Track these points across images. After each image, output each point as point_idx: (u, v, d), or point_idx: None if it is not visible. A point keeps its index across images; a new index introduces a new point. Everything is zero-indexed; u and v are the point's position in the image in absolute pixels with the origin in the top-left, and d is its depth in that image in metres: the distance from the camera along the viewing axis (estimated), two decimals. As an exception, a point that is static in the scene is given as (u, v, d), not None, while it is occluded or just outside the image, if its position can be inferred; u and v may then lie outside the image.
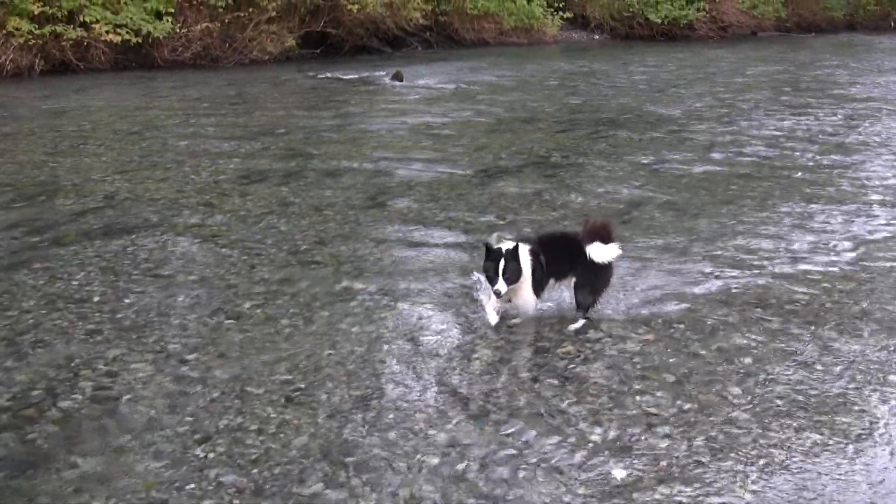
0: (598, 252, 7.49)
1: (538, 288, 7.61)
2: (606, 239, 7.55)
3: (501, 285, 7.20)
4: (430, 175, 13.62)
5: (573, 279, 7.74)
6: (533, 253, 7.45)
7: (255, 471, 5.56)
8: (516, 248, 7.29)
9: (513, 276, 7.26)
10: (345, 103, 22.19)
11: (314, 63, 32.88)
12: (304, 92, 24.58)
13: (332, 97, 23.31)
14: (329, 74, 28.51)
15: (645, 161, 14.57)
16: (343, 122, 19.05)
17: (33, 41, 27.61)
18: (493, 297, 7.44)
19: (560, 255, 7.63)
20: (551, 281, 7.72)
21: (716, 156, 15.02)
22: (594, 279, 7.72)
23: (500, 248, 7.26)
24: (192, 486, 5.41)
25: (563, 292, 7.96)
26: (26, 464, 5.68)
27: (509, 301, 7.60)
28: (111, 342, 7.49)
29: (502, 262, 7.19)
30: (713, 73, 28.27)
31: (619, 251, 7.63)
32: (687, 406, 6.33)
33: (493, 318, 7.64)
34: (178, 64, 30.93)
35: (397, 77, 26.39)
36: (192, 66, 30.99)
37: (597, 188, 12.70)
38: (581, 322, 7.71)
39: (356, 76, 28.17)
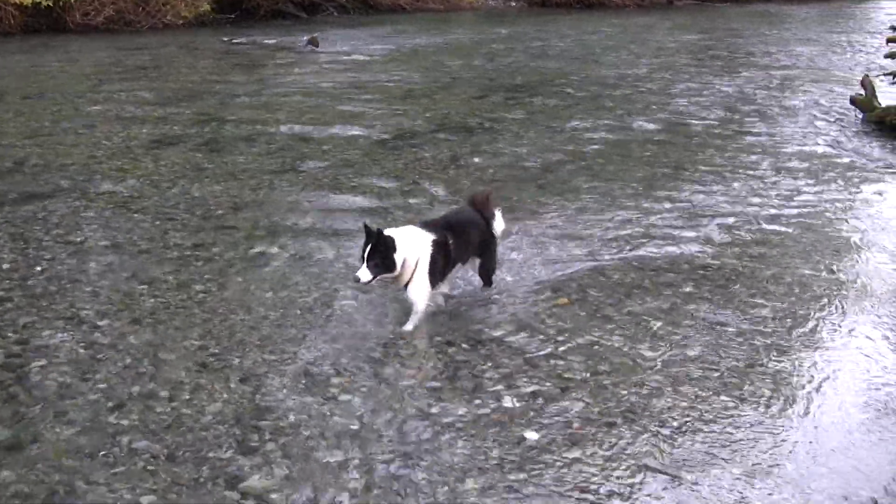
0: (499, 222, 7.48)
1: (439, 277, 7.08)
2: (494, 209, 7.50)
3: (363, 273, 6.62)
4: (346, 140, 13.58)
5: (477, 259, 7.53)
6: (437, 243, 6.95)
7: (169, 437, 5.53)
8: (391, 238, 6.68)
9: (382, 266, 6.66)
10: (260, 68, 22.02)
11: (229, 28, 32.54)
12: (219, 57, 24.35)
13: (247, 62, 23.11)
14: (244, 39, 28.25)
15: (560, 127, 14.61)
16: (258, 87, 18.91)
17: (-63, 3, 27.08)
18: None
19: (467, 237, 7.27)
20: (458, 266, 7.33)
21: (631, 122, 15.11)
22: (493, 252, 7.62)
23: (375, 232, 6.66)
24: (105, 452, 5.36)
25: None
26: (-67, 433, 5.60)
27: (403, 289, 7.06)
28: (21, 309, 7.40)
29: (370, 248, 6.62)
30: (630, 42, 28.38)
31: (503, 222, 7.61)
32: (600, 369, 6.37)
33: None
34: (91, 28, 30.44)
35: (313, 42, 26.19)
36: (104, 30, 30.51)
37: (512, 153, 12.72)
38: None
39: (271, 41, 27.94)
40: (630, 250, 8.68)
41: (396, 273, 6.76)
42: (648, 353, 6.61)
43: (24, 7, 28.77)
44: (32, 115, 15.64)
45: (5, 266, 8.32)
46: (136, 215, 9.80)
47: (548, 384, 6.15)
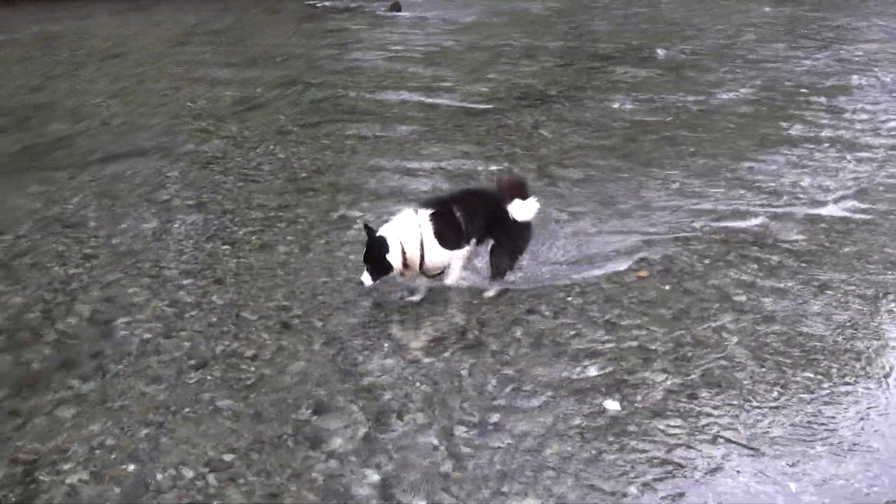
0: (520, 210, 7.01)
1: (457, 242, 6.89)
2: (524, 195, 7.07)
3: (365, 277, 6.63)
4: (427, 105, 13.53)
5: (490, 242, 7.15)
6: (436, 215, 6.78)
7: (252, 396, 5.58)
8: (381, 239, 6.60)
9: (380, 268, 6.63)
10: (342, 32, 21.99)
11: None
12: (302, 20, 24.35)
13: (331, 26, 23.09)
14: (327, 3, 28.24)
15: (643, 97, 14.44)
16: (340, 51, 18.90)
17: (29, -36, 27.32)
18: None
19: (476, 212, 6.96)
20: (473, 241, 7.02)
21: (715, 93, 14.87)
22: (512, 239, 7.14)
23: (369, 234, 6.65)
24: (188, 409, 5.43)
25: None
26: (23, 385, 5.69)
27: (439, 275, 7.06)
28: (107, 266, 7.49)
29: (366, 252, 6.67)
30: (716, 12, 28.01)
31: (538, 205, 7.12)
32: (683, 341, 6.32)
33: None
34: (175, -10, 30.65)
35: (395, 7, 26.14)
36: (189, -8, 30.70)
37: (594, 122, 12.60)
38: (496, 289, 7.14)
39: (354, 5, 27.87)
40: (713, 223, 8.56)
41: (398, 269, 6.71)
42: (731, 327, 6.53)
43: (110, -32, 28.97)
44: (118, 76, 15.77)
45: (91, 224, 8.42)
46: (219, 176, 9.87)
47: (630, 355, 6.11)
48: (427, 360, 6.02)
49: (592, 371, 5.91)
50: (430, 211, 6.80)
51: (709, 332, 6.45)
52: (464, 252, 6.95)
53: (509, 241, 7.08)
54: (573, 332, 6.40)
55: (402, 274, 6.81)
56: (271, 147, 11.01)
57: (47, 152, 10.84)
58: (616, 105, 13.70)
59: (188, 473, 4.84)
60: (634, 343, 6.26)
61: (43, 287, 7.10)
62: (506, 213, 6.93)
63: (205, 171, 10.07)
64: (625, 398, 5.59)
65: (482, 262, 7.23)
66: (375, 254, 6.58)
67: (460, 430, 5.23)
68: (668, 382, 5.76)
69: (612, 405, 5.51)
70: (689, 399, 5.57)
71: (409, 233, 6.68)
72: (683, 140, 11.67)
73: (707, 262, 7.66)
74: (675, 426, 5.30)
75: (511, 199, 6.92)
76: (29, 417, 5.35)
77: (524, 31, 22.10)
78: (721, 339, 6.34)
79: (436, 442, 5.13)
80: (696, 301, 6.93)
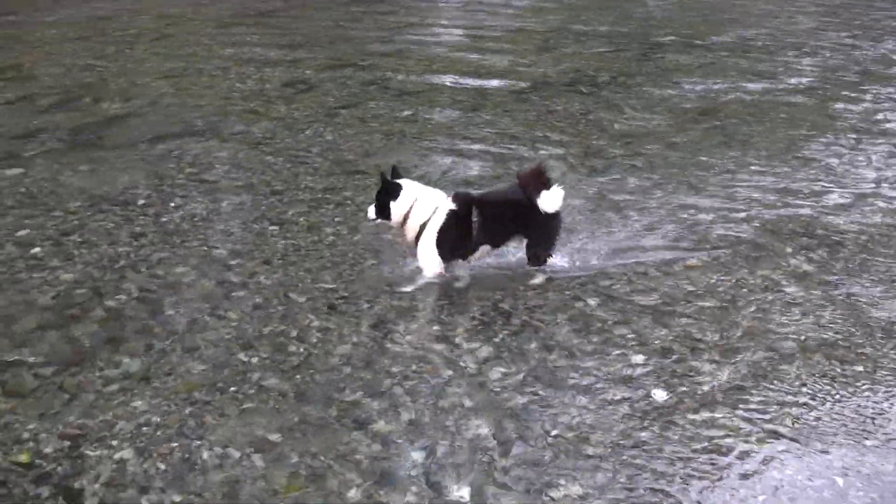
0: (548, 201, 6.70)
1: (458, 252, 6.90)
2: (548, 184, 6.76)
3: (370, 210, 6.90)
4: (476, 89, 13.52)
5: (524, 240, 7.02)
6: (453, 214, 6.73)
7: (298, 377, 5.58)
8: (396, 186, 6.76)
9: (379, 210, 6.82)
10: (392, 15, 22.00)
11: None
12: (351, 3, 24.37)
13: (380, 9, 23.12)
14: (376, -14, 28.27)
15: (694, 85, 14.36)
16: (389, 33, 18.90)
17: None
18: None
19: (501, 219, 6.86)
20: (484, 248, 6.95)
21: (768, 82, 14.76)
22: (545, 232, 6.98)
23: (385, 179, 6.77)
24: (235, 389, 5.44)
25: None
26: (71, 361, 5.72)
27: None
28: (156, 245, 7.52)
29: (377, 191, 6.80)
30: (768, 3, 27.79)
31: (563, 192, 6.79)
32: (731, 332, 6.27)
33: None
34: (226, -29, 30.74)
35: (445, -9, 26.12)
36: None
37: (644, 110, 12.55)
38: (542, 277, 7.08)
39: (404, -11, 27.93)
40: (764, 213, 8.49)
41: (393, 223, 6.87)
42: (781, 319, 6.47)
43: (161, -52, 29.09)
44: (168, 57, 15.83)
45: (140, 202, 8.46)
46: (268, 157, 9.88)
47: (677, 344, 6.07)
48: (473, 344, 6.00)
49: (639, 359, 5.87)
50: (452, 205, 6.76)
51: (757, 323, 6.39)
52: (436, 266, 6.92)
53: (542, 234, 6.98)
54: (620, 320, 6.37)
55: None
56: (320, 129, 11.03)
57: (97, 131, 10.89)
58: (667, 92, 13.63)
59: (234, 453, 4.84)
60: (682, 332, 6.22)
61: (92, 264, 7.14)
62: (535, 208, 6.73)
63: (254, 151, 10.08)
64: (671, 388, 5.55)
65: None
66: (384, 195, 6.74)
67: (505, 416, 5.22)
68: (716, 373, 5.72)
69: (659, 394, 5.48)
70: (737, 391, 5.52)
71: (425, 206, 6.75)
72: (735, 128, 11.61)
73: (757, 251, 7.61)
74: (721, 417, 5.25)
75: (538, 191, 6.70)
76: (76, 393, 5.38)
77: (574, 16, 22.05)
78: (769, 330, 6.29)
79: (481, 427, 5.11)
80: (745, 291, 6.88)
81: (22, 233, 7.74)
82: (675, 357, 5.90)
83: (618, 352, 5.95)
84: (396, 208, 6.73)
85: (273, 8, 22.54)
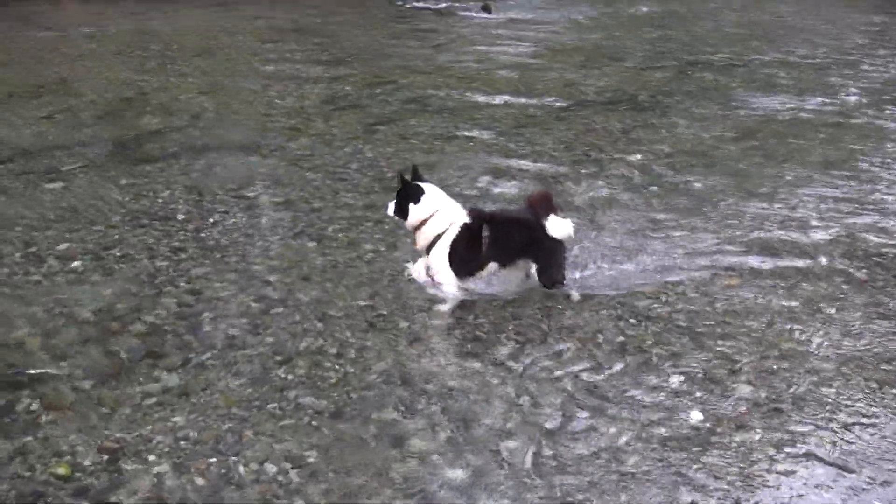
0: (557, 226, 6.69)
1: (467, 267, 6.87)
2: (555, 210, 6.76)
3: (390, 207, 6.97)
4: (517, 107, 13.52)
5: (531, 263, 6.96)
6: (466, 228, 6.75)
7: (335, 394, 5.59)
8: (418, 189, 6.80)
9: (398, 209, 6.89)
10: (432, 32, 22.02)
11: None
12: (391, 20, 24.42)
13: (420, 26, 23.14)
14: (417, 3, 28.32)
15: (732, 104, 14.29)
16: (430, 51, 18.93)
17: (124, -40, 27.68)
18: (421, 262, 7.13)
19: (509, 237, 6.85)
20: (492, 265, 6.89)
21: (805, 103, 14.66)
22: (552, 256, 6.93)
23: (405, 179, 6.84)
24: (273, 405, 5.46)
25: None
26: (109, 375, 5.75)
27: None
28: (195, 260, 7.56)
29: (399, 191, 6.87)
30: (809, 20, 27.63)
31: (573, 225, 6.82)
32: (769, 353, 6.23)
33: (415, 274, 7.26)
34: (266, -13, 30.93)
35: (486, 8, 26.15)
36: (279, -10, 30.97)
37: (682, 128, 12.51)
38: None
39: (444, 6, 27.94)
40: (801, 234, 8.45)
41: (409, 225, 6.89)
42: (819, 340, 6.44)
43: (203, -35, 29.30)
44: (208, 72, 15.91)
45: (180, 217, 8.50)
46: (308, 173, 9.91)
47: (715, 365, 6.05)
48: (511, 363, 6.00)
49: (676, 380, 5.86)
50: (466, 219, 6.76)
51: (796, 344, 6.36)
52: (453, 280, 6.90)
53: (549, 258, 6.94)
54: (658, 340, 6.35)
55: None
56: (359, 146, 11.05)
57: (138, 145, 10.96)
58: (707, 110, 13.60)
59: (271, 469, 4.86)
60: (720, 353, 6.20)
61: (131, 279, 7.18)
62: (543, 231, 6.70)
63: (293, 168, 10.12)
64: (709, 409, 5.53)
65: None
66: (404, 196, 6.79)
67: (542, 436, 5.21)
68: (754, 395, 5.70)
69: (696, 416, 5.46)
70: (775, 413, 5.50)
71: (442, 215, 6.77)
72: (776, 146, 11.57)
73: (795, 273, 7.57)
74: (759, 440, 5.23)
75: (546, 214, 6.69)
76: (115, 407, 5.41)
77: (614, 35, 22.03)
78: (808, 352, 6.26)
79: (517, 446, 5.10)
80: (784, 312, 6.85)
81: (63, 247, 7.79)
82: (712, 378, 5.87)
83: (655, 373, 5.93)
84: (415, 212, 6.77)
85: (313, 24, 22.61)
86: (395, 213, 6.91)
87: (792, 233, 8.46)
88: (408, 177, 6.87)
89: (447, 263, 6.78)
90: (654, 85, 15.69)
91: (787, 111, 13.79)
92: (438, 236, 6.74)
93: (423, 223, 6.78)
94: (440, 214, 6.75)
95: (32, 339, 6.20)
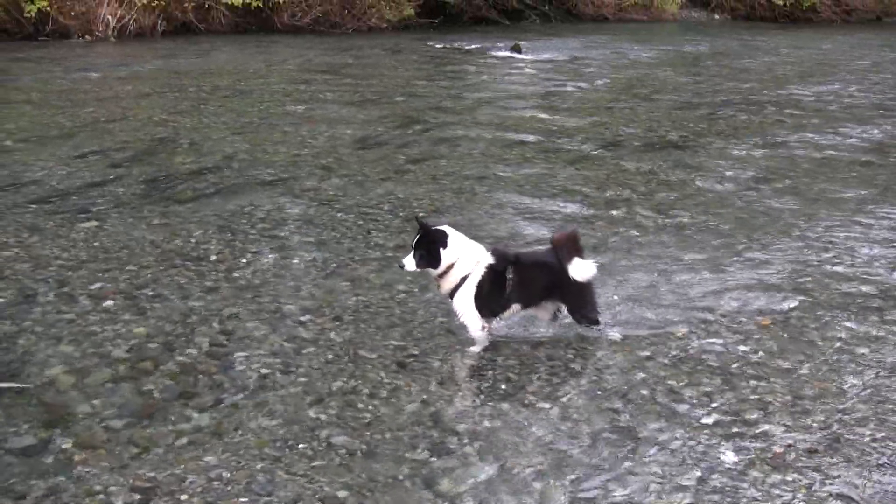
0: (580, 269, 6.65)
1: (491, 308, 6.75)
2: (581, 252, 6.74)
3: (408, 262, 6.58)
4: (548, 147, 13.57)
5: (560, 304, 6.96)
6: (491, 269, 6.65)
7: (367, 434, 5.58)
8: (443, 233, 6.60)
9: (426, 258, 6.56)
10: (462, 73, 22.15)
11: (432, 33, 32.90)
12: (422, 61, 24.57)
13: (450, 67, 23.28)
14: (447, 44, 28.48)
15: (764, 144, 14.30)
16: (460, 91, 19.03)
17: (156, 2, 27.93)
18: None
19: (533, 279, 6.79)
20: (515, 307, 6.83)
21: (838, 142, 14.67)
22: (581, 297, 6.87)
23: (427, 225, 6.64)
24: (304, 445, 5.45)
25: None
26: (142, 414, 5.76)
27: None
28: (227, 300, 7.57)
29: (418, 238, 6.59)
30: (838, 59, 27.67)
31: (595, 268, 6.78)
32: (802, 394, 6.19)
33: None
34: (297, 29, 31.13)
35: (516, 49, 26.32)
36: (310, 31, 31.18)
37: (715, 169, 12.51)
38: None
39: (474, 47, 28.11)
40: (836, 274, 8.42)
41: (439, 271, 6.63)
42: (853, 381, 6.38)
43: (234, 7, 29.55)
44: (241, 112, 16.02)
45: (213, 257, 8.53)
46: (339, 214, 9.95)
47: (747, 406, 6.00)
48: (543, 405, 5.98)
49: (709, 420, 5.82)
50: (491, 261, 6.68)
51: (830, 385, 6.31)
52: (478, 323, 6.76)
53: (578, 299, 6.88)
54: (690, 382, 6.32)
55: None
56: (391, 186, 11.08)
57: (171, 185, 11.03)
58: (738, 151, 13.60)
59: (303, 509, 4.86)
60: (753, 393, 6.16)
61: (164, 318, 7.20)
62: (566, 273, 6.65)
63: (325, 208, 10.16)
64: (741, 450, 5.49)
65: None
66: (432, 243, 6.54)
67: (575, 478, 5.18)
68: (787, 436, 5.65)
69: (729, 457, 5.42)
70: (809, 454, 5.45)
71: (469, 258, 6.65)
72: (807, 186, 11.54)
73: (829, 313, 7.53)
74: (793, 481, 5.18)
75: (570, 258, 6.64)
76: (147, 446, 5.41)
77: (645, 74, 22.12)
78: (842, 392, 6.21)
79: (549, 488, 5.08)
80: (817, 352, 6.81)
81: (95, 286, 7.83)
82: (745, 418, 5.83)
83: (687, 413, 5.89)
84: (446, 257, 6.58)
85: (345, 64, 22.78)
86: (419, 265, 6.60)
87: (822, 272, 8.42)
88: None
89: (473, 305, 6.68)
90: (685, 125, 15.71)
91: (820, 149, 13.77)
92: (464, 279, 6.64)
93: (450, 267, 6.64)
94: (466, 256, 6.66)
95: (65, 378, 6.21)
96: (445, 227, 6.69)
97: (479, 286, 6.62)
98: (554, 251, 6.76)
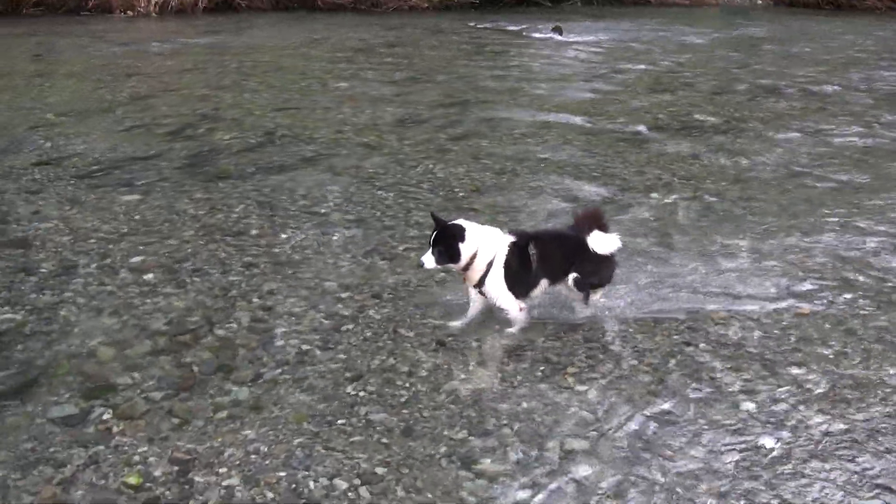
0: (599, 242, 6.68)
1: (521, 286, 6.70)
2: (604, 228, 6.77)
3: (427, 259, 6.46)
4: (588, 130, 13.53)
5: (573, 275, 6.82)
6: (515, 246, 6.61)
7: (405, 411, 5.59)
8: (459, 227, 6.52)
9: (446, 254, 6.45)
10: (503, 54, 22.09)
11: (473, 13, 32.85)
12: (463, 41, 24.52)
13: (492, 47, 23.23)
14: (488, 25, 28.43)
15: (805, 131, 14.18)
16: (502, 72, 18.99)
17: (199, -21, 28.05)
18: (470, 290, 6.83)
19: (555, 253, 6.78)
20: (544, 282, 6.79)
21: (882, 130, 14.55)
22: (596, 270, 6.84)
23: (442, 221, 6.55)
24: (343, 421, 5.46)
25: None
26: (181, 387, 5.80)
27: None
28: (267, 275, 7.60)
29: (435, 235, 6.49)
30: (885, 47, 27.40)
31: (619, 242, 6.79)
32: (843, 383, 6.15)
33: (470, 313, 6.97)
34: (339, 6, 31.20)
35: (557, 30, 26.22)
36: (351, 9, 31.25)
37: (756, 155, 12.42)
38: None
39: (516, 28, 28.04)
40: (877, 263, 8.34)
41: (462, 265, 6.54)
42: (894, 370, 6.34)
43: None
44: (282, 89, 16.05)
45: (253, 232, 8.57)
46: (380, 192, 9.97)
47: (787, 393, 5.96)
48: (581, 387, 5.96)
49: (749, 407, 5.78)
50: (512, 239, 6.65)
51: (870, 374, 6.27)
52: (515, 304, 6.71)
53: (591, 271, 6.84)
54: (730, 367, 6.28)
55: (459, 275, 6.71)
56: (431, 165, 11.08)
57: (212, 160, 11.07)
58: (780, 136, 13.50)
59: (341, 485, 4.85)
60: (792, 382, 6.11)
61: (204, 292, 7.24)
62: (586, 246, 6.66)
63: (365, 185, 10.18)
64: (781, 438, 5.45)
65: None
66: (449, 238, 6.46)
67: (613, 460, 5.17)
68: (827, 425, 5.61)
69: (769, 443, 5.39)
70: (848, 443, 5.41)
71: (490, 243, 6.59)
72: (848, 176, 11.42)
73: (870, 302, 7.46)
74: (832, 470, 5.14)
75: (590, 230, 6.66)
76: (186, 419, 5.44)
77: (687, 60, 21.98)
78: (882, 382, 6.15)
79: (589, 470, 5.07)
80: (857, 342, 6.74)
81: (136, 259, 7.88)
82: (785, 406, 5.80)
83: (726, 399, 5.86)
84: (465, 250, 6.48)
85: (386, 43, 22.76)
86: (439, 262, 6.51)
87: (864, 261, 8.35)
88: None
89: (505, 287, 6.62)
90: (725, 110, 15.62)
91: (863, 137, 13.66)
92: (490, 264, 6.58)
93: (472, 258, 6.56)
94: (486, 243, 6.59)
95: (106, 350, 6.26)
96: (461, 221, 6.65)
97: (507, 266, 6.57)
98: (576, 226, 6.80)
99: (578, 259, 6.73)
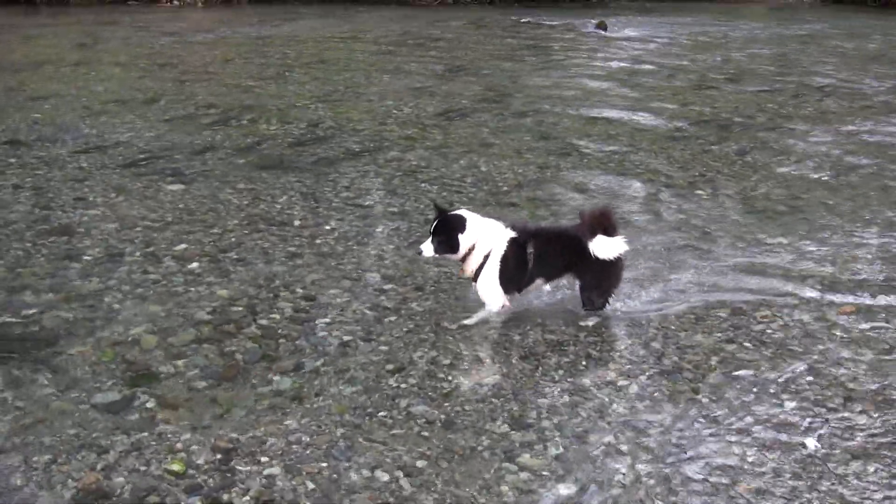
0: (601, 247, 6.53)
1: (514, 282, 6.71)
2: (610, 230, 6.57)
3: (426, 248, 6.58)
4: (632, 125, 13.49)
5: (577, 281, 6.89)
6: (514, 242, 6.60)
7: (447, 404, 5.59)
8: (460, 217, 6.58)
9: (445, 244, 6.54)
10: (547, 48, 22.06)
11: (517, 7, 32.80)
12: (507, 35, 24.50)
13: (535, 41, 23.19)
14: (532, 19, 28.38)
15: (853, 130, 14.07)
16: (545, 67, 18.95)
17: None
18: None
19: (553, 252, 6.72)
20: (538, 281, 6.81)
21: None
22: (598, 277, 6.79)
23: (444, 211, 6.64)
24: (384, 413, 5.46)
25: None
26: (224, 376, 5.83)
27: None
28: (310, 266, 7.63)
29: (436, 225, 6.58)
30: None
31: (625, 245, 6.65)
32: (886, 384, 6.10)
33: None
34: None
35: (601, 26, 26.18)
36: (395, 1, 31.21)
37: (801, 153, 12.35)
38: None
39: (559, 22, 27.97)
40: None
41: (460, 256, 6.59)
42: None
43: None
44: (326, 80, 16.10)
45: (296, 223, 8.60)
46: (423, 184, 9.99)
47: (830, 393, 5.92)
48: (623, 382, 5.95)
49: (791, 406, 5.75)
50: (511, 234, 6.63)
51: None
52: (499, 299, 6.74)
53: (594, 278, 6.80)
54: (772, 365, 6.24)
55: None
56: (474, 159, 11.08)
57: (256, 151, 11.12)
58: (825, 136, 13.41)
59: (382, 476, 4.86)
60: (836, 381, 6.07)
61: (247, 282, 7.27)
62: (586, 249, 6.54)
63: (409, 178, 10.20)
64: (823, 437, 5.42)
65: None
66: (449, 228, 6.52)
67: (653, 456, 5.16)
68: (870, 425, 5.57)
69: (811, 443, 5.35)
70: (892, 445, 5.38)
71: (489, 236, 6.60)
72: (893, 175, 11.33)
73: (915, 303, 7.41)
74: (874, 471, 5.10)
75: (593, 234, 6.51)
76: (229, 408, 5.47)
77: (732, 57, 21.86)
78: (925, 385, 6.12)
79: (628, 465, 5.05)
80: (901, 341, 6.71)
81: (180, 248, 7.93)
82: (828, 406, 5.76)
83: (769, 397, 5.83)
84: (465, 241, 6.54)
85: (430, 36, 22.77)
86: (438, 251, 6.60)
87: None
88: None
89: (497, 281, 6.63)
90: (771, 108, 15.53)
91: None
92: (486, 256, 6.60)
93: (471, 250, 6.60)
94: (485, 236, 6.61)
95: (149, 338, 6.30)
96: (462, 211, 6.69)
97: (504, 261, 6.59)
98: (581, 226, 6.68)
99: (579, 261, 6.70)
